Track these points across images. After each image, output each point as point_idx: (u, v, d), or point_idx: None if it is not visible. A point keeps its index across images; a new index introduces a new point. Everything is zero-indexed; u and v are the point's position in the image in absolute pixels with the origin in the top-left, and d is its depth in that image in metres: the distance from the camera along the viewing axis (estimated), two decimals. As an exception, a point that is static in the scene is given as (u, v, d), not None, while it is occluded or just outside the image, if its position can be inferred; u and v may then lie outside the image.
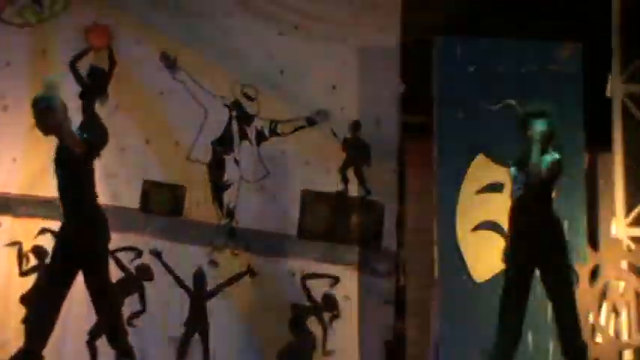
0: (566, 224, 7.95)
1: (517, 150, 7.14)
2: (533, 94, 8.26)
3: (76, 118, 7.45)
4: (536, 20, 8.63)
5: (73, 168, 6.72)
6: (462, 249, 8.18)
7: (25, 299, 8.09)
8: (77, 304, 7.50)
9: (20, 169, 8.21)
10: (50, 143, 7.49)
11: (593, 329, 8.40)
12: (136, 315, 8.24)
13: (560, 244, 7.04)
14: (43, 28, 8.38)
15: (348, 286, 8.56)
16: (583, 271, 8.33)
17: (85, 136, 6.79)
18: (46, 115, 6.64)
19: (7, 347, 7.95)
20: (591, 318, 8.37)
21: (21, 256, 8.17)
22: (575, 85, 8.43)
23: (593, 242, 8.56)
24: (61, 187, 6.79)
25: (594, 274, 8.45)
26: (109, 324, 6.94)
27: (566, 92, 8.38)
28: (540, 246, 6.98)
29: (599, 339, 8.44)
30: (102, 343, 7.50)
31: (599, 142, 8.66)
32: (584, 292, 8.26)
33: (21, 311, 8.05)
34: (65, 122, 6.68)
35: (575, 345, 7.02)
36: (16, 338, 7.95)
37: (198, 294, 8.36)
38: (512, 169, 7.13)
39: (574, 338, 7.01)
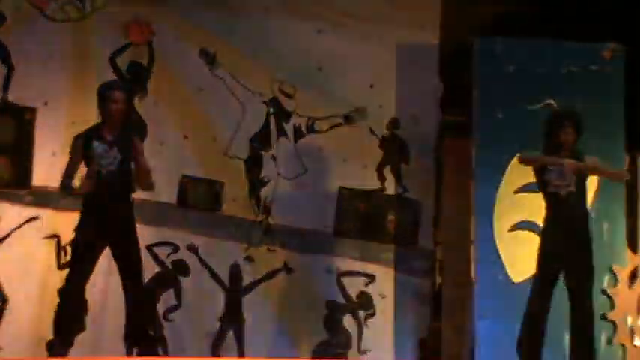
0: (605, 226, 7.95)
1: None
2: (573, 95, 8.25)
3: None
4: (578, 21, 8.55)
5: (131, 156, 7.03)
6: (499, 249, 8.14)
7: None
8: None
9: (60, 163, 8.25)
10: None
11: (632, 332, 8.30)
12: (171, 309, 8.29)
13: (588, 245, 7.15)
14: (84, 24, 8.46)
15: (383, 284, 8.56)
16: (622, 274, 8.25)
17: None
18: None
19: (46, 340, 8.05)
20: (630, 321, 8.27)
21: (60, 249, 8.24)
22: (616, 86, 8.37)
23: (633, 244, 8.46)
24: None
25: (633, 276, 8.36)
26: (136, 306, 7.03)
27: (606, 93, 8.34)
28: (570, 245, 7.08)
29: (637, 342, 8.35)
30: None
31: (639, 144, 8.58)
32: (622, 295, 8.19)
33: (59, 304, 8.14)
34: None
35: (585, 346, 7.11)
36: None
37: (234, 290, 8.39)
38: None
39: (585, 340, 7.10)
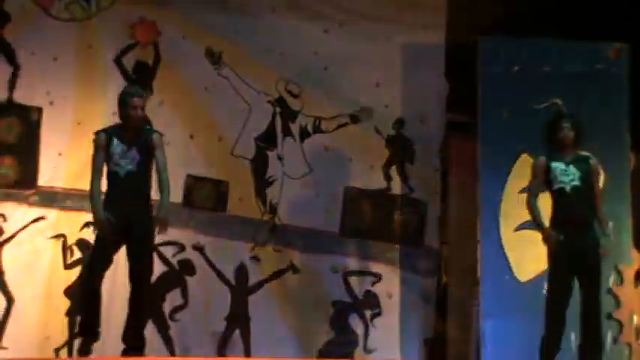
0: (611, 225, 7.93)
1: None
2: (578, 94, 8.27)
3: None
4: (583, 21, 8.56)
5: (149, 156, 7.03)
6: (505, 248, 8.15)
7: (69, 292, 8.16)
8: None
9: (66, 163, 8.29)
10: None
11: (637, 331, 8.32)
12: (177, 309, 8.29)
13: (596, 241, 7.15)
14: (89, 24, 8.45)
15: (389, 284, 8.58)
16: (628, 272, 8.27)
17: None
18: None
19: (51, 340, 8.06)
20: (635, 319, 8.29)
21: (65, 249, 8.23)
22: (621, 86, 8.39)
23: (639, 243, 8.48)
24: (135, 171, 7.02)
25: (639, 275, 8.38)
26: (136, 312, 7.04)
27: (612, 92, 8.38)
28: (578, 243, 7.09)
29: (643, 341, 8.39)
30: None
31: (646, 143, 8.60)
32: (628, 294, 8.22)
33: (65, 304, 8.12)
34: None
35: (592, 342, 7.10)
36: (60, 331, 8.06)
37: (240, 289, 8.39)
38: (558, 163, 7.17)
39: (593, 336, 7.09)
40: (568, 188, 7.17)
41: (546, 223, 7.32)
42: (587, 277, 7.11)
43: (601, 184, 7.72)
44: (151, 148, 7.06)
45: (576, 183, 7.17)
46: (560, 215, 7.21)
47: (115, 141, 7.01)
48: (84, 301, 7.09)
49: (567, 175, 7.18)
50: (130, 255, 7.03)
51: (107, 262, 7.03)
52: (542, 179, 7.24)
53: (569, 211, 7.17)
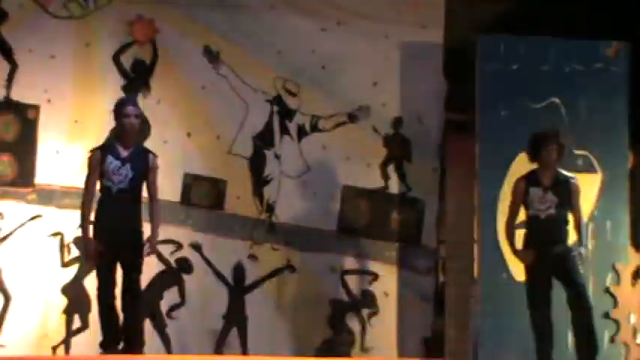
0: (608, 224, 7.94)
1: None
2: (576, 93, 8.26)
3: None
4: (583, 20, 8.54)
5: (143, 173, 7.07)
6: (503, 247, 8.13)
7: (66, 290, 8.17)
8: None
9: (63, 161, 8.28)
10: (92, 136, 7.62)
11: (635, 330, 8.30)
12: (175, 307, 8.29)
13: (568, 265, 7.15)
14: (87, 21, 8.45)
15: (387, 283, 8.57)
16: (625, 272, 8.25)
17: None
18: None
19: (49, 338, 8.07)
20: (633, 319, 8.28)
21: (63, 248, 8.23)
22: (620, 84, 8.37)
23: (636, 242, 8.46)
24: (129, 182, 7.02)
25: (637, 274, 8.36)
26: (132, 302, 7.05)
27: (610, 91, 8.34)
28: (557, 252, 7.12)
29: (640, 340, 8.38)
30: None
31: (644, 142, 8.58)
32: (626, 293, 8.19)
33: (62, 302, 8.14)
34: None
35: (587, 343, 7.12)
36: (57, 328, 8.08)
37: (237, 288, 8.40)
38: (536, 190, 7.17)
39: (587, 337, 7.11)
40: (543, 216, 7.17)
41: None
42: (568, 279, 7.11)
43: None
44: (145, 167, 7.08)
45: (551, 211, 7.15)
46: (533, 237, 7.22)
47: (110, 157, 7.02)
48: (102, 317, 7.04)
49: (544, 202, 7.17)
50: (122, 266, 7.03)
51: (112, 281, 7.02)
52: (521, 201, 7.25)
53: (541, 236, 7.18)
